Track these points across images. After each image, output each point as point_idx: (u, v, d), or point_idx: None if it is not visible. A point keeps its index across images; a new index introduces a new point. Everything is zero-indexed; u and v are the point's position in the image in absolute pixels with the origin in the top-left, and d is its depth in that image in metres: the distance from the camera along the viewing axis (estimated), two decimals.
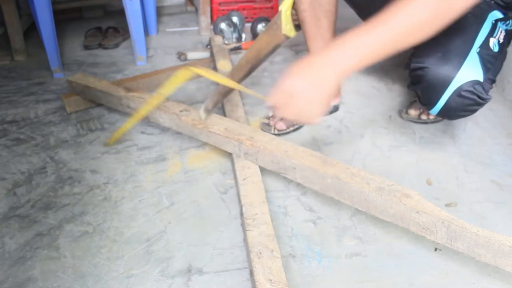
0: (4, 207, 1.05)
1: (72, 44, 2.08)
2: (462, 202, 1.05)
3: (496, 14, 1.07)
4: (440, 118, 1.34)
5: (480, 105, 1.03)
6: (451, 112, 1.05)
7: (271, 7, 2.35)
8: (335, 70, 0.78)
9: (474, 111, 1.05)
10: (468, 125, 1.35)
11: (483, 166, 1.17)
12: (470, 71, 0.99)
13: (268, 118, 1.35)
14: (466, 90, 0.99)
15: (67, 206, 1.05)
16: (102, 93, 1.35)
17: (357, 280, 0.85)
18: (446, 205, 1.03)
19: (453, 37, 1.00)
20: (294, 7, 1.15)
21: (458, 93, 1.00)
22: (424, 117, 1.35)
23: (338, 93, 1.41)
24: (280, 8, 1.09)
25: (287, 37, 1.12)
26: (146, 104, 1.20)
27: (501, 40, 1.06)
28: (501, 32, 1.07)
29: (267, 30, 1.11)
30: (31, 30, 2.08)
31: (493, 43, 1.04)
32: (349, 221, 1.00)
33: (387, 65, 1.75)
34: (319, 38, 1.26)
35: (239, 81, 1.15)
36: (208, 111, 1.17)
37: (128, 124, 1.22)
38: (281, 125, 1.31)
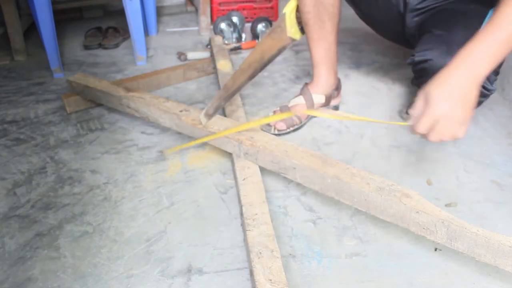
0: (4, 207, 1.05)
1: (72, 44, 2.09)
2: (462, 202, 1.05)
3: None
4: None
5: (486, 96, 1.03)
6: None
7: (271, 7, 2.35)
8: (475, 80, 0.80)
9: (480, 103, 1.05)
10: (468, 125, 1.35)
11: (483, 166, 1.17)
12: None
13: (274, 112, 1.35)
14: None
15: (67, 206, 1.05)
16: (102, 93, 1.35)
17: (357, 280, 0.85)
18: (446, 205, 1.03)
19: (456, 30, 1.00)
20: (298, 9, 1.15)
21: None
22: None
23: (338, 93, 1.41)
24: (284, 11, 1.09)
25: (293, 40, 1.11)
26: (234, 127, 1.12)
27: None
28: None
29: (270, 33, 1.11)
30: (31, 30, 2.08)
31: None
32: (349, 221, 1.00)
33: (387, 65, 1.75)
34: (323, 40, 1.26)
35: (242, 85, 1.14)
36: (209, 116, 1.15)
37: (197, 141, 1.17)
38: (281, 125, 1.31)
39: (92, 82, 1.40)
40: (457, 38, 1.01)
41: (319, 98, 1.34)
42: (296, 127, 1.34)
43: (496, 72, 1.04)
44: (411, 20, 1.25)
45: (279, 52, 1.12)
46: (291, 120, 1.32)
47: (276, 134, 1.30)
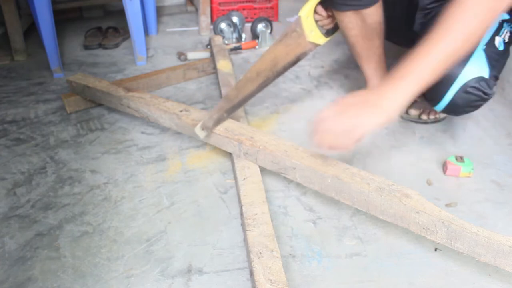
0: (4, 207, 1.05)
1: (72, 44, 2.09)
2: (462, 202, 1.05)
3: (503, 15, 1.08)
4: (439, 119, 1.34)
5: (485, 100, 1.03)
6: (457, 108, 1.06)
7: (271, 7, 2.35)
8: (400, 100, 0.81)
9: (478, 106, 1.06)
10: (468, 125, 1.35)
11: (483, 166, 1.17)
12: (476, 67, 1.00)
13: None
14: (472, 87, 1.00)
15: (67, 206, 1.05)
16: (102, 93, 1.35)
17: (357, 280, 0.85)
18: (446, 205, 1.03)
19: None
20: (317, 11, 1.08)
21: (464, 89, 1.00)
22: (424, 117, 1.35)
23: None
24: (299, 14, 1.04)
25: (316, 45, 1.06)
26: None
27: (506, 40, 1.07)
28: (506, 32, 1.08)
29: (282, 39, 1.06)
30: (31, 30, 2.08)
31: (499, 42, 1.05)
32: (349, 221, 1.00)
33: (388, 66, 1.75)
34: (372, 55, 1.26)
35: (249, 95, 1.09)
36: (208, 129, 1.09)
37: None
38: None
39: (92, 82, 1.40)
40: None
41: None
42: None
43: (496, 77, 1.05)
44: (419, 18, 1.24)
45: (298, 58, 1.07)
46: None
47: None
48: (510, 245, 0.75)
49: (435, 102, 1.07)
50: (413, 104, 1.38)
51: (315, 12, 1.09)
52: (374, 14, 1.16)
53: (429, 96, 1.09)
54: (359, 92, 0.85)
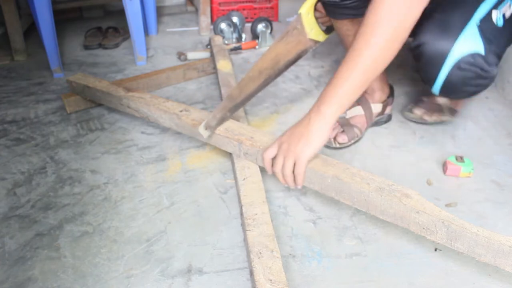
0: (4, 207, 1.05)
1: (72, 44, 2.09)
2: (462, 202, 1.05)
3: None
4: (440, 119, 1.33)
5: (484, 78, 0.99)
6: (454, 88, 1.02)
7: (271, 7, 2.35)
8: (324, 123, 0.90)
9: (479, 86, 1.02)
10: (468, 125, 1.35)
11: (483, 166, 1.17)
12: (468, 43, 0.96)
13: None
14: (465, 62, 0.97)
15: (67, 206, 1.05)
16: (102, 93, 1.35)
17: (357, 280, 0.85)
18: (446, 205, 1.03)
19: (451, 11, 0.99)
20: (317, 8, 1.09)
21: (457, 66, 0.97)
22: (426, 117, 1.33)
23: (392, 100, 1.37)
24: (299, 11, 1.04)
25: (316, 42, 1.06)
26: None
27: (508, 15, 1.02)
28: (509, 7, 1.02)
29: (284, 37, 1.06)
30: (31, 30, 2.08)
31: (497, 17, 1.00)
32: (349, 221, 1.00)
33: (388, 65, 1.75)
34: None
35: (252, 94, 1.10)
36: (212, 129, 1.10)
37: None
38: (343, 138, 1.24)
39: (92, 82, 1.40)
40: (451, 19, 0.98)
41: (377, 107, 1.32)
42: (356, 139, 1.27)
43: (497, 54, 0.99)
44: None
45: (299, 56, 1.07)
46: (353, 132, 1.25)
47: (336, 148, 1.24)
48: (510, 245, 0.75)
49: (431, 83, 1.03)
50: (419, 102, 1.36)
51: (316, 9, 1.09)
52: None
53: (425, 78, 1.05)
54: (292, 127, 0.95)
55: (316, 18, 1.08)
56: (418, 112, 1.34)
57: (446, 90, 1.04)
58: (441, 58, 0.98)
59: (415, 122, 1.36)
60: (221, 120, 1.10)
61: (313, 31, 1.05)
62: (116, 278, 0.86)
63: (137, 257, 0.91)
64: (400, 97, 1.52)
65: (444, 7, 0.94)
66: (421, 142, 1.28)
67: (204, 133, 1.10)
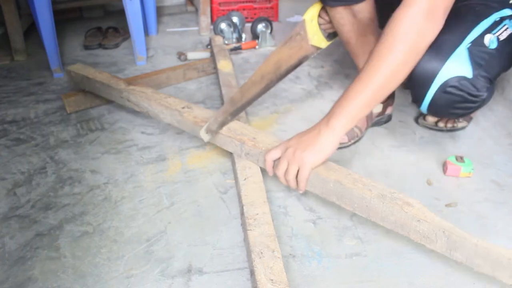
0: (4, 207, 1.05)
1: (72, 44, 2.09)
2: (462, 202, 1.05)
3: (506, 12, 1.03)
4: (457, 127, 1.31)
5: (473, 102, 0.99)
6: (439, 109, 1.02)
7: (271, 7, 2.35)
8: (333, 135, 0.91)
9: (468, 109, 1.01)
10: (468, 125, 1.35)
11: (483, 166, 1.17)
12: (455, 66, 0.96)
13: None
14: (451, 86, 0.96)
15: (67, 206, 1.05)
16: (102, 84, 1.33)
17: (357, 280, 0.85)
18: (446, 205, 1.04)
19: (445, 34, 0.97)
20: (321, 15, 1.10)
21: (443, 89, 0.97)
22: (441, 124, 1.31)
23: (393, 101, 1.37)
24: (303, 17, 1.05)
25: (318, 48, 1.07)
26: None
27: (502, 38, 1.02)
28: (505, 30, 1.02)
29: (287, 41, 1.06)
30: (31, 30, 2.09)
31: (490, 40, 1.00)
32: (349, 221, 1.00)
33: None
34: (366, 52, 1.21)
35: (253, 98, 1.10)
36: (213, 132, 1.10)
37: None
38: (343, 138, 1.22)
39: (92, 73, 1.38)
40: (443, 42, 0.96)
41: (377, 107, 1.31)
42: (356, 139, 1.27)
43: (486, 78, 0.99)
44: None
45: (300, 62, 1.07)
46: (353, 132, 1.25)
47: (337, 148, 1.25)
48: (509, 257, 0.74)
49: (419, 103, 1.04)
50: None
51: (319, 16, 1.09)
52: (365, 10, 1.16)
53: (413, 97, 1.05)
54: (300, 134, 0.96)
55: (320, 25, 1.08)
56: (431, 118, 1.32)
57: (433, 110, 1.04)
58: (429, 79, 0.98)
59: (430, 128, 1.32)
60: (222, 124, 1.11)
61: (315, 38, 1.06)
62: (116, 278, 0.86)
63: (137, 257, 0.91)
64: (400, 97, 1.52)
65: (441, 29, 0.94)
66: (421, 142, 1.28)
67: (205, 136, 1.11)
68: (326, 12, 1.13)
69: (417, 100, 1.04)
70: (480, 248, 0.76)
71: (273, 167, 0.98)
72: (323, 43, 1.09)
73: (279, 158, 0.96)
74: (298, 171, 0.93)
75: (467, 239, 0.77)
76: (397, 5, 0.87)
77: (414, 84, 1.01)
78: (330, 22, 1.15)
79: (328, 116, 0.92)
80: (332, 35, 1.17)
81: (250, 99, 1.11)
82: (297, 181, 0.94)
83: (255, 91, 1.10)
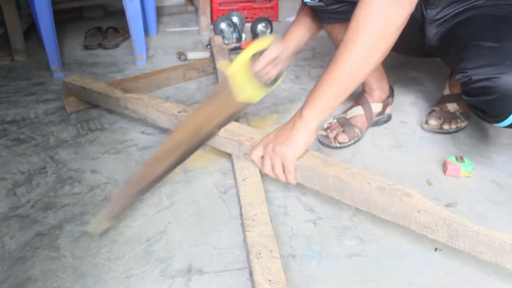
0: (4, 207, 1.05)
1: (72, 44, 2.09)
2: (462, 202, 1.05)
3: None
4: (460, 128, 1.31)
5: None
6: None
7: (271, 7, 2.35)
8: (307, 128, 0.93)
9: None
10: (468, 125, 1.35)
11: (483, 166, 1.17)
12: None
13: (326, 129, 1.29)
14: None
15: (67, 206, 1.05)
16: (99, 94, 1.35)
17: (357, 280, 0.85)
18: (446, 205, 1.03)
19: (509, 41, 0.93)
20: (255, 64, 0.97)
21: None
22: (446, 127, 1.30)
23: (393, 100, 1.37)
24: (225, 74, 0.92)
25: (250, 103, 0.96)
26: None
27: None
28: None
29: (209, 102, 0.97)
30: (31, 30, 2.09)
31: None
32: (349, 221, 1.00)
33: (387, 65, 1.75)
34: None
35: (165, 172, 0.94)
36: (115, 218, 0.94)
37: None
38: (343, 138, 1.24)
39: (88, 83, 1.39)
40: None
41: (377, 107, 1.31)
42: (356, 139, 1.27)
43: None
44: (432, 31, 1.17)
45: (227, 121, 0.98)
46: (353, 132, 1.25)
47: (337, 147, 1.24)
48: (511, 243, 0.75)
49: (500, 119, 0.93)
50: (432, 113, 1.33)
51: (252, 64, 0.96)
52: None
53: (492, 113, 0.95)
54: (277, 128, 0.98)
55: (254, 74, 0.95)
56: (434, 122, 1.31)
57: None
58: None
59: (436, 132, 1.31)
60: (125, 208, 0.96)
61: (245, 93, 0.93)
62: (116, 278, 0.86)
63: (137, 257, 0.91)
64: (400, 97, 1.52)
65: (493, 34, 0.89)
66: (421, 142, 1.28)
67: (103, 225, 0.93)
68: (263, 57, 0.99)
69: (499, 115, 0.93)
70: (482, 235, 0.77)
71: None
72: (256, 96, 0.95)
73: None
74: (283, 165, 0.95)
75: (468, 227, 0.78)
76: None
77: (499, 99, 0.91)
78: (270, 67, 1.02)
79: (302, 108, 0.93)
80: (274, 81, 1.03)
81: (160, 174, 0.95)
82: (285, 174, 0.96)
83: (167, 164, 0.95)
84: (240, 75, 0.92)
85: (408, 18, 0.85)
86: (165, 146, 0.97)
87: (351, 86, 0.91)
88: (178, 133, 0.98)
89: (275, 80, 1.03)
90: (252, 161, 1.01)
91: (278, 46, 1.03)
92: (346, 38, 0.87)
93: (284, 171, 0.96)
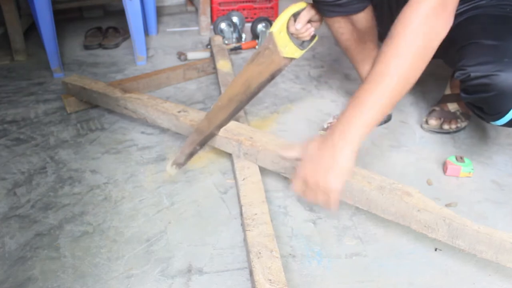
0: (4, 207, 1.05)
1: (72, 44, 2.09)
2: (462, 202, 1.05)
3: None
4: (460, 128, 1.31)
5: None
6: None
7: (271, 7, 2.35)
8: (350, 149, 0.79)
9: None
10: (468, 125, 1.34)
11: (483, 166, 1.17)
12: None
13: (326, 129, 1.30)
14: None
15: (67, 206, 1.05)
16: (98, 94, 1.35)
17: (357, 280, 0.85)
18: (446, 205, 1.03)
19: (509, 39, 0.92)
20: (290, 25, 1.05)
21: None
22: (446, 126, 1.30)
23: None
24: (270, 30, 1.02)
25: (291, 59, 1.05)
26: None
27: None
28: None
29: (254, 59, 1.03)
30: (31, 30, 2.08)
31: None
32: (349, 221, 1.00)
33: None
34: (367, 58, 1.24)
35: (222, 123, 1.06)
36: (180, 165, 1.06)
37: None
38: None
39: (88, 83, 1.39)
40: None
41: None
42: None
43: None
44: None
45: (272, 76, 1.05)
46: None
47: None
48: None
49: (498, 116, 0.94)
50: (432, 113, 1.33)
51: (290, 25, 1.05)
52: (364, 19, 1.15)
53: (490, 110, 0.95)
54: (312, 152, 0.83)
55: (291, 34, 1.05)
56: (434, 122, 1.31)
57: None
58: None
59: (437, 132, 1.31)
60: (190, 156, 1.07)
61: (287, 49, 1.03)
62: (116, 278, 0.86)
63: (137, 257, 0.91)
64: None
65: (494, 33, 0.88)
66: (421, 142, 1.28)
67: (171, 171, 1.07)
68: (295, 21, 1.07)
69: (497, 113, 0.93)
70: (482, 234, 0.77)
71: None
72: (297, 53, 1.06)
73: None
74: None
75: (468, 226, 0.78)
76: (396, 12, 0.83)
77: (497, 97, 0.91)
78: (303, 29, 1.08)
79: (341, 128, 0.81)
80: (307, 43, 1.12)
81: (218, 125, 1.07)
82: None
83: (224, 115, 1.06)
84: (284, 33, 1.01)
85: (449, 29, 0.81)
86: (220, 101, 1.06)
87: (394, 102, 0.82)
88: (231, 88, 1.06)
89: (311, 40, 1.12)
90: (296, 196, 0.98)
91: (312, 9, 1.09)
92: (388, 53, 0.80)
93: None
